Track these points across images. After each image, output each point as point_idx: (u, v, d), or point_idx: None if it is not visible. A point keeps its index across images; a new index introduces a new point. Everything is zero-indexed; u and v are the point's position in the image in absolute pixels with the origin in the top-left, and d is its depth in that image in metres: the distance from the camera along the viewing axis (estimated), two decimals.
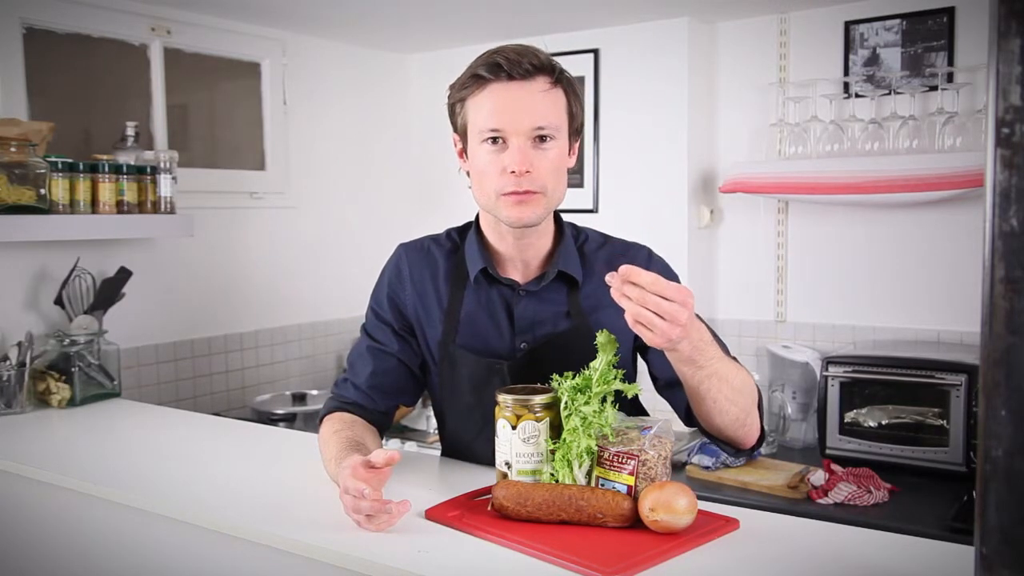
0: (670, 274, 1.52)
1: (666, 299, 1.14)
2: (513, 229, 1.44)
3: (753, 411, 1.37)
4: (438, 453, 1.70)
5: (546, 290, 1.48)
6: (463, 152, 1.46)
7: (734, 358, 1.40)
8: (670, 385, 1.45)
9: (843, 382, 2.53)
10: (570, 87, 1.42)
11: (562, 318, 1.48)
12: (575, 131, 1.45)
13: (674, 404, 1.48)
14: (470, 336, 1.50)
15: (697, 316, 1.25)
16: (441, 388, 1.56)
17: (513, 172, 1.36)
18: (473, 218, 1.56)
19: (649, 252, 1.55)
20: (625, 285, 1.15)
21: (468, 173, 1.47)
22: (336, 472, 1.35)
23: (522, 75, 1.36)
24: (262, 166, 3.13)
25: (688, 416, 1.43)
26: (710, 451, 2.48)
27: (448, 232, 1.59)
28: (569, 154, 1.45)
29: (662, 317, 1.14)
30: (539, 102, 1.37)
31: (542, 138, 1.38)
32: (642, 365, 1.55)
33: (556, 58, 1.43)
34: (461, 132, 1.45)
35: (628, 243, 1.56)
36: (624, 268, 1.15)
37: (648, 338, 1.16)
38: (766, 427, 1.44)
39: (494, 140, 1.37)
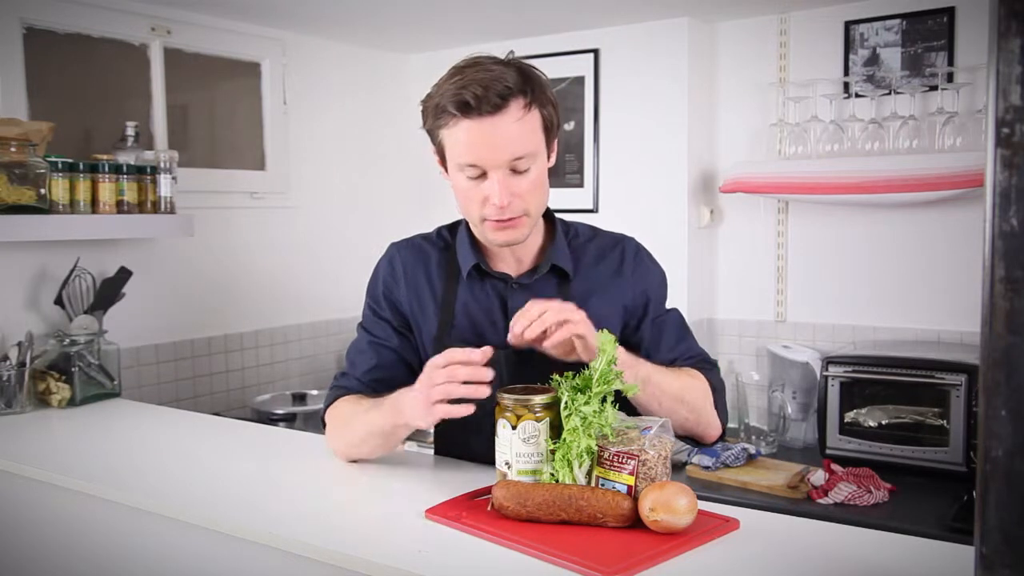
0: (656, 267, 1.58)
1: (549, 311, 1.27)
2: None
3: (706, 411, 1.46)
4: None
5: (538, 283, 1.50)
6: (443, 162, 1.47)
7: (713, 363, 1.53)
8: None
9: (843, 382, 2.53)
10: (543, 101, 1.39)
11: None
12: (552, 137, 1.44)
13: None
14: (465, 330, 1.52)
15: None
16: None
17: (495, 204, 1.37)
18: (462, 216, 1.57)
19: (637, 245, 1.58)
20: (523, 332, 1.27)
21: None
22: (376, 411, 1.42)
23: (492, 109, 1.32)
24: (262, 166, 3.13)
25: None
26: (710, 451, 2.48)
27: (439, 230, 1.61)
28: (548, 159, 1.45)
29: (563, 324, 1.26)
30: (514, 134, 1.34)
31: (520, 166, 1.37)
32: None
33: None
34: (439, 152, 1.44)
35: (617, 236, 1.59)
36: (511, 331, 1.29)
37: (580, 349, 1.28)
38: (738, 423, 1.54)
39: (472, 171, 1.38)
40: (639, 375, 1.33)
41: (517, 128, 1.35)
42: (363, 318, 1.61)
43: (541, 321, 1.26)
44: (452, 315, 1.52)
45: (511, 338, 1.29)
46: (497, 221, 1.40)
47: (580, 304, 1.49)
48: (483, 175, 1.37)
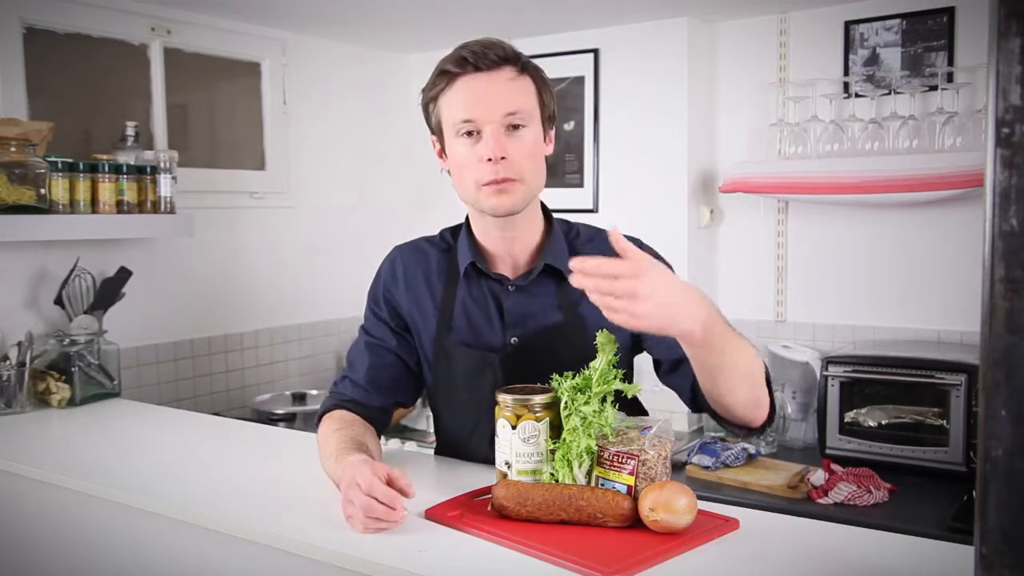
0: (658, 260, 1.52)
1: (617, 277, 1.09)
2: (498, 221, 1.46)
3: (763, 389, 1.34)
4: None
5: (535, 284, 1.50)
6: (442, 152, 1.49)
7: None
8: (673, 367, 1.44)
9: (843, 382, 2.53)
10: (538, 75, 1.45)
11: (552, 311, 1.49)
12: (548, 119, 1.48)
13: (677, 388, 1.46)
14: (463, 331, 1.52)
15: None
16: (435, 385, 1.57)
17: (489, 160, 1.38)
18: (464, 218, 1.57)
19: (639, 244, 1.53)
20: (577, 278, 1.11)
21: (450, 172, 1.49)
22: (335, 468, 1.36)
23: (488, 66, 1.39)
24: (262, 166, 3.13)
25: (693, 399, 1.41)
26: (710, 451, 2.48)
27: (441, 233, 1.61)
28: (545, 142, 1.47)
29: (619, 298, 1.10)
30: (508, 89, 1.40)
31: (515, 125, 1.40)
32: (639, 364, 1.55)
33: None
34: (437, 131, 1.47)
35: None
36: (574, 262, 1.12)
37: (622, 321, 1.11)
38: (775, 408, 1.43)
39: (469, 132, 1.40)
40: (711, 361, 1.22)
41: (510, 85, 1.41)
42: (364, 319, 1.62)
43: (610, 290, 1.10)
44: (451, 317, 1.52)
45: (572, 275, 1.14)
46: (492, 184, 1.39)
47: (578, 303, 1.47)
48: (479, 136, 1.40)
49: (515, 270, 1.52)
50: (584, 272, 1.11)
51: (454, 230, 1.60)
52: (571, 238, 1.55)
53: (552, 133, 1.50)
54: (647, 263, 1.11)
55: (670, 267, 1.51)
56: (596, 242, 1.55)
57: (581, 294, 1.14)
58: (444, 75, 1.41)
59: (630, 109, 3.11)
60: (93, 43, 2.62)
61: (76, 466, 1.71)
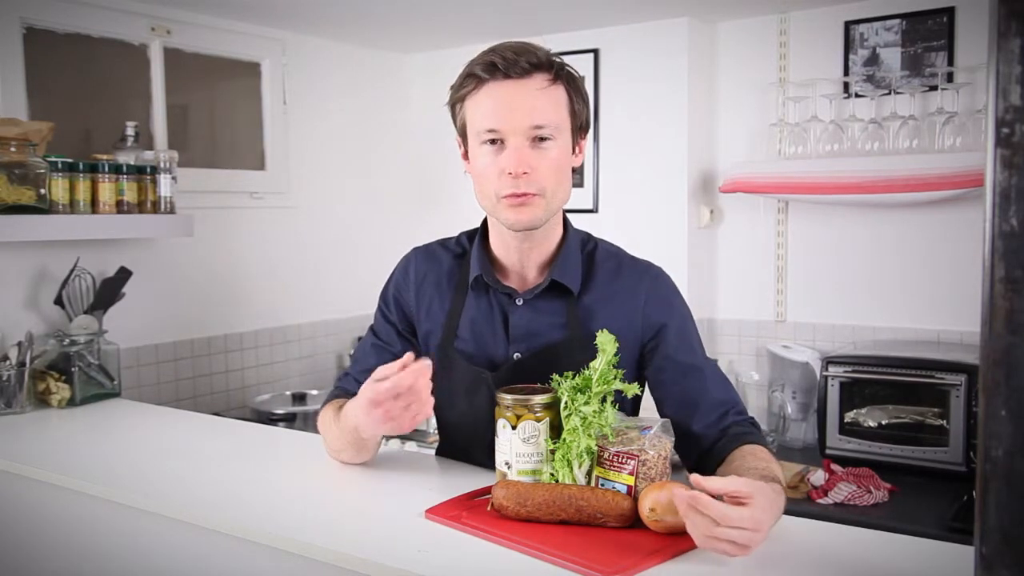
0: (676, 297, 1.50)
1: (737, 527, 1.05)
2: (516, 233, 1.42)
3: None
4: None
5: (542, 300, 1.46)
6: (467, 154, 1.45)
7: (755, 422, 1.42)
8: (683, 433, 1.38)
9: (843, 382, 2.53)
10: (572, 84, 1.40)
11: (557, 329, 1.45)
12: (579, 128, 1.42)
13: (681, 451, 1.41)
14: (468, 341, 1.49)
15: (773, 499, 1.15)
16: (437, 391, 1.56)
17: (511, 173, 1.34)
18: (480, 222, 1.55)
19: (657, 273, 1.50)
20: (691, 510, 1.06)
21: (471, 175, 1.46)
22: (343, 422, 1.42)
23: (519, 74, 1.33)
24: (262, 166, 3.13)
25: (698, 468, 1.38)
26: None
27: (459, 236, 1.58)
28: (575, 153, 1.43)
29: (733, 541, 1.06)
30: (537, 100, 1.34)
31: (541, 138, 1.35)
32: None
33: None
34: (461, 133, 1.43)
35: (638, 260, 1.52)
36: (690, 495, 1.06)
37: (722, 552, 1.09)
38: (765, 428, 1.44)
39: (492, 141, 1.36)
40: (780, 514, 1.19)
41: (540, 96, 1.35)
42: (374, 319, 1.61)
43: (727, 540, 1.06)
44: (456, 325, 1.50)
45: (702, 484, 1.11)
46: (512, 196, 1.35)
47: (586, 321, 1.44)
48: (503, 145, 1.35)
49: (524, 283, 1.48)
50: (706, 513, 1.05)
51: (471, 234, 1.55)
52: (589, 249, 1.50)
53: (583, 143, 1.45)
54: (759, 510, 1.07)
55: (683, 299, 1.50)
56: (613, 261, 1.50)
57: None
58: (472, 78, 1.36)
59: (630, 109, 3.11)
60: (93, 43, 2.62)
61: (76, 466, 1.71)
